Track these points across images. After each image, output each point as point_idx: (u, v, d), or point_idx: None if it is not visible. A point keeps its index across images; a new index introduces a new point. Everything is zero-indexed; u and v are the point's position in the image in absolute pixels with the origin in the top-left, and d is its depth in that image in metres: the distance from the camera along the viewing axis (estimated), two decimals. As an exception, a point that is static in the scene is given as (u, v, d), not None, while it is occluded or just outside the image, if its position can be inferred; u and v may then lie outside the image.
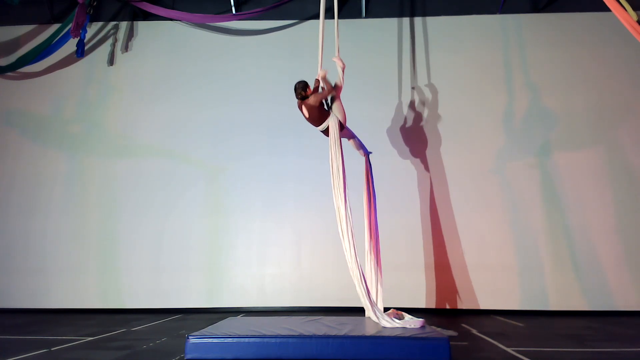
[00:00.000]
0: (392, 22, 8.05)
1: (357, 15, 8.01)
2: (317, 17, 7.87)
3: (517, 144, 7.50)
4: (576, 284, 7.01)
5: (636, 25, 5.32)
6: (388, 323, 4.43)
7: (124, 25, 8.35)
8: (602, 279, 6.99)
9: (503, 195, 7.36)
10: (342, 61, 5.30)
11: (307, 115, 5.10)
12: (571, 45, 7.73)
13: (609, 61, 7.63)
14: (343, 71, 5.28)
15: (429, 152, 7.56)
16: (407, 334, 3.99)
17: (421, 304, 7.10)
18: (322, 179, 7.45)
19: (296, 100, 5.13)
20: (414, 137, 7.63)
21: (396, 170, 7.50)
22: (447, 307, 7.09)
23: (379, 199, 7.31)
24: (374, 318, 4.65)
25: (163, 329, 5.67)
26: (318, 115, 5.04)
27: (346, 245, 4.79)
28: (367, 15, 8.09)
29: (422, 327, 4.32)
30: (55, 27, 7.98)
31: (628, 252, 7.06)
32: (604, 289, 6.97)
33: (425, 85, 7.79)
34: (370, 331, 4.16)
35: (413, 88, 7.77)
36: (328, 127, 5.05)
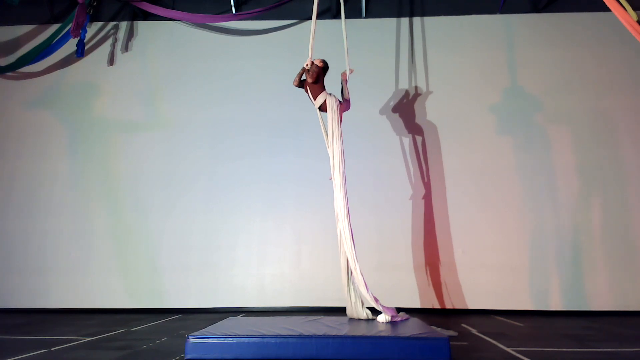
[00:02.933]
0: (392, 22, 8.05)
1: (357, 15, 8.00)
2: (317, 17, 7.88)
3: (516, 144, 7.50)
4: (576, 283, 7.01)
5: (636, 25, 5.33)
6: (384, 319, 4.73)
7: (124, 25, 8.35)
8: (603, 279, 7.00)
9: (503, 195, 7.36)
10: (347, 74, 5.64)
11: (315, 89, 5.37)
12: (571, 45, 7.73)
13: (609, 61, 7.63)
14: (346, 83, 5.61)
15: (428, 152, 7.56)
16: (407, 334, 3.99)
17: (420, 303, 7.10)
18: (322, 179, 7.45)
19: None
20: (413, 136, 7.63)
21: (395, 170, 7.50)
22: (447, 307, 7.09)
23: (379, 199, 7.36)
24: (381, 318, 4.77)
25: (163, 329, 5.67)
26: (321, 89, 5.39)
27: (345, 230, 5.03)
28: (367, 15, 8.08)
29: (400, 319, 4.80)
30: (55, 27, 7.97)
31: (628, 252, 7.06)
32: (604, 289, 6.97)
33: (425, 85, 7.79)
34: (370, 331, 4.17)
35: (415, 92, 7.78)
36: (325, 101, 5.30)
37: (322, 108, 5.35)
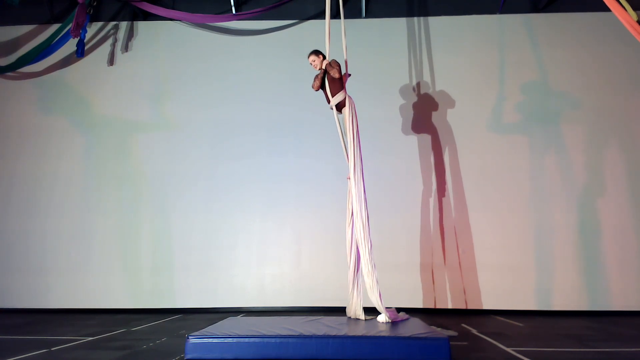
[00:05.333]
0: (392, 22, 8.05)
1: (357, 15, 8.00)
2: (317, 17, 7.90)
3: (516, 144, 7.50)
4: (576, 284, 7.01)
5: (636, 25, 5.33)
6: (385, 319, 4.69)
7: (124, 25, 8.35)
8: (602, 279, 7.00)
9: (502, 194, 7.36)
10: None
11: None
12: (571, 45, 7.72)
13: (609, 61, 7.62)
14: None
15: (428, 152, 7.56)
16: (407, 334, 3.99)
17: (421, 303, 7.10)
18: (322, 178, 7.50)
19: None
20: (414, 136, 7.63)
21: (396, 170, 7.50)
22: (447, 307, 7.09)
23: (380, 199, 7.36)
24: (381, 318, 4.75)
25: (163, 329, 5.67)
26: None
27: (361, 230, 4.95)
28: (367, 15, 8.08)
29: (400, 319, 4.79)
30: (55, 27, 7.96)
31: (628, 252, 7.06)
32: (604, 289, 6.97)
33: (425, 85, 7.79)
34: (370, 331, 4.16)
35: (413, 90, 7.78)
36: (344, 99, 5.24)
37: (338, 107, 5.30)
